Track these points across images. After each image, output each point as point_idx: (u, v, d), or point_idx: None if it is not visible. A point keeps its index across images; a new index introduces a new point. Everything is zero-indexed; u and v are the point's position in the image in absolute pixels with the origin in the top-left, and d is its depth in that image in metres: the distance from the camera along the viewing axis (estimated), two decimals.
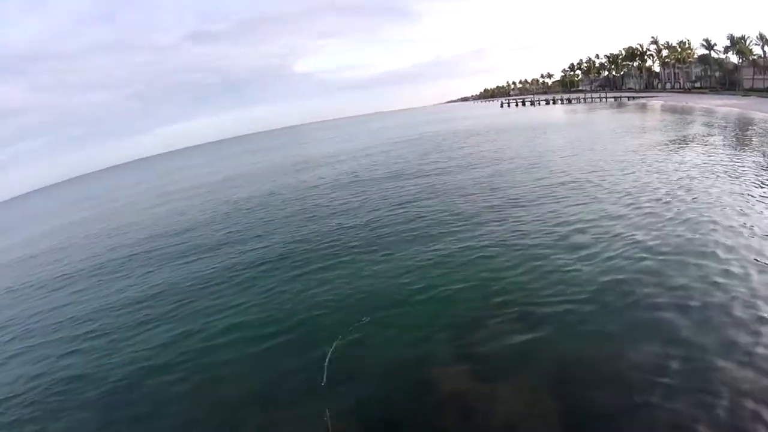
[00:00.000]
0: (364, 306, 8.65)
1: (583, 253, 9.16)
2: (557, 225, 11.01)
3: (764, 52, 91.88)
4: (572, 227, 10.74)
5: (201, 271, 12.62)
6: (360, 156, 31.13)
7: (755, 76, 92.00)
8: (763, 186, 12.37)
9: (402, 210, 14.51)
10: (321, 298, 9.41)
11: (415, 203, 15.44)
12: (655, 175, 14.61)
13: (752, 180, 13.18)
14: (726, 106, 55.14)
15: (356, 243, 12.28)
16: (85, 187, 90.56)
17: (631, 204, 11.92)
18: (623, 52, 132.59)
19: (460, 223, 12.17)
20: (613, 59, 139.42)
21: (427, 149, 24.56)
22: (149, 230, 19.37)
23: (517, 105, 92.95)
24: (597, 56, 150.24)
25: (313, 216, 15.88)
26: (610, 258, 8.66)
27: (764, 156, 16.83)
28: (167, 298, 11.07)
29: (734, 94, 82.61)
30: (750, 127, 28.84)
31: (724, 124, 30.82)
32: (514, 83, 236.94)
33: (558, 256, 9.23)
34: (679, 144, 19.92)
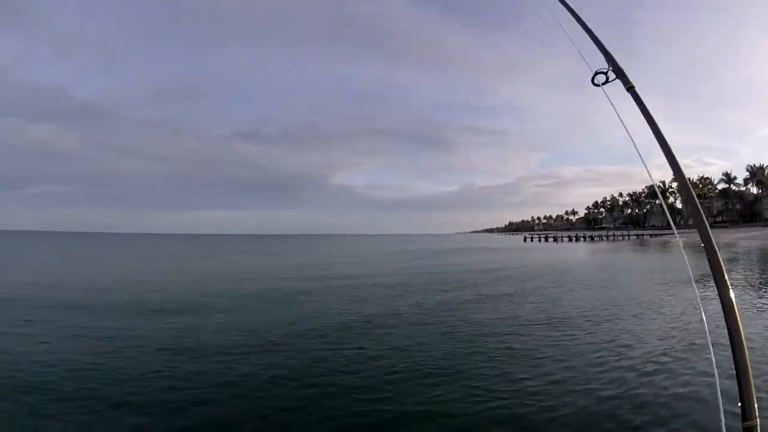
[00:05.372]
0: None
1: None
2: None
3: None
4: None
5: None
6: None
7: None
8: None
9: None
10: None
11: None
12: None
13: None
14: (747, 239, 56.42)
15: None
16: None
17: None
18: (645, 191, 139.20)
19: None
20: (635, 197, 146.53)
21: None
22: None
23: (540, 240, 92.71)
24: (620, 194, 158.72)
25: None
26: None
27: None
28: None
29: (755, 226, 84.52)
30: None
31: (746, 259, 31.70)
32: (538, 218, 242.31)
33: None
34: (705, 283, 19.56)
